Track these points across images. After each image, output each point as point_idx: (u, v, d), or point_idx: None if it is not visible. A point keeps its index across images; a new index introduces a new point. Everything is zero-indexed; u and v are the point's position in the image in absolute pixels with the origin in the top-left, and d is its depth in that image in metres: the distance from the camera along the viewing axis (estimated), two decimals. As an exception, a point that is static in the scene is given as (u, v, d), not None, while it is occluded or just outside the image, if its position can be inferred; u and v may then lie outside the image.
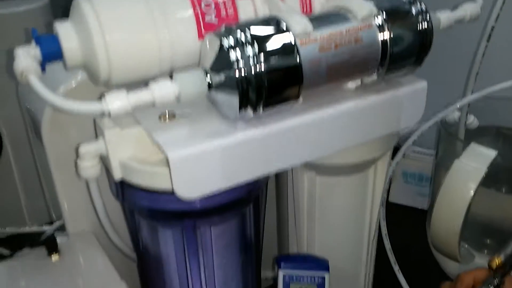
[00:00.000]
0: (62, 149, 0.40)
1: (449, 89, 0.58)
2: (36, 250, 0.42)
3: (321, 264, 0.40)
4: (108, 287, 0.37)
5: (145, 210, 0.35)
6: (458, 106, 0.53)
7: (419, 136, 0.55)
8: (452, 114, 0.62)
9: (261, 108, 0.30)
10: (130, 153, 0.33)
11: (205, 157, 0.30)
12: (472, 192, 0.47)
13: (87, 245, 0.42)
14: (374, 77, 0.35)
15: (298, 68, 0.29)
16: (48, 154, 0.40)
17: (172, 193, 0.32)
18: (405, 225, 0.60)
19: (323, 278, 0.40)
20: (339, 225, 0.44)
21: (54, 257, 0.40)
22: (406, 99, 0.37)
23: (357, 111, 0.35)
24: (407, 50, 0.34)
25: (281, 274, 0.40)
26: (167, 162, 0.30)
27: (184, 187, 0.30)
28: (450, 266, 0.61)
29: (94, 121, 0.34)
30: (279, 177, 0.44)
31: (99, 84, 0.33)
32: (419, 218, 0.73)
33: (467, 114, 0.57)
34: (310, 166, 0.40)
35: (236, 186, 0.33)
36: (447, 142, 0.60)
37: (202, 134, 0.31)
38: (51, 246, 0.41)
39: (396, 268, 0.58)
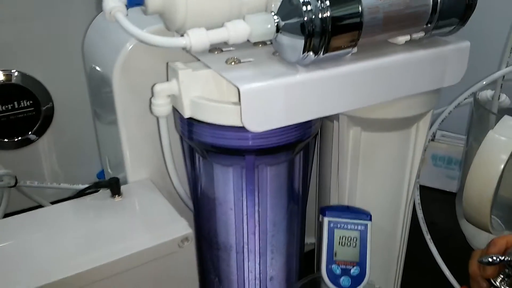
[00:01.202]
0: (129, 100, 0.43)
1: (484, 63, 0.60)
2: (99, 194, 0.46)
3: (364, 214, 0.43)
4: (168, 223, 0.41)
5: (209, 147, 0.38)
6: (493, 78, 0.56)
7: (453, 109, 0.58)
8: (485, 92, 0.64)
9: (321, 53, 0.33)
10: (199, 93, 0.37)
11: (270, 93, 0.33)
12: (504, 161, 0.49)
13: (147, 190, 0.45)
14: (422, 33, 0.38)
15: (359, 14, 0.33)
16: (117, 105, 0.44)
17: (237, 129, 0.35)
18: (434, 207, 0.63)
19: (366, 226, 0.43)
20: (380, 181, 0.47)
21: (117, 198, 0.44)
22: (450, 56, 0.39)
23: (405, 64, 0.38)
24: (454, 8, 0.37)
25: (326, 220, 0.43)
26: (236, 98, 0.33)
27: (251, 119, 0.34)
28: (479, 241, 0.63)
29: (167, 65, 0.38)
30: (324, 134, 0.47)
31: (172, 29, 0.36)
32: (448, 200, 0.76)
33: (500, 90, 0.59)
34: (356, 121, 0.43)
35: (294, 126, 0.37)
36: (479, 118, 0.62)
37: (267, 74, 0.35)
38: (115, 188, 0.44)
39: (428, 237, 0.61)
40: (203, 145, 0.38)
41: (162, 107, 0.37)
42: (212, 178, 0.41)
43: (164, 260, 0.39)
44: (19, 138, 0.67)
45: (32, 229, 0.41)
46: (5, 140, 0.66)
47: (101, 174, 0.67)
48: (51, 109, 0.69)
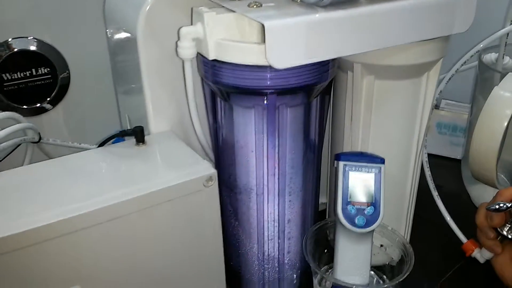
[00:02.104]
0: (153, 54, 0.45)
1: (488, 23, 0.62)
2: (124, 143, 0.48)
3: (378, 157, 0.45)
4: (193, 164, 0.43)
5: (232, 88, 0.40)
6: (498, 35, 0.58)
7: (459, 69, 0.60)
8: (489, 56, 0.67)
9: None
10: (222, 35, 0.39)
11: (293, 30, 0.36)
12: (509, 116, 0.51)
13: (170, 139, 0.48)
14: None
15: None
16: (141, 60, 0.46)
17: (260, 69, 0.37)
18: (439, 173, 0.65)
19: (380, 169, 0.45)
20: (392, 130, 0.49)
21: (142, 146, 0.46)
22: (459, 3, 0.42)
23: (416, 8, 0.40)
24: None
25: (341, 164, 0.45)
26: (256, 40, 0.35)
27: (275, 56, 0.36)
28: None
29: (192, 10, 0.40)
30: (337, 86, 0.49)
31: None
32: (453, 166, 0.78)
33: (504, 50, 0.61)
34: (370, 69, 0.45)
35: (313, 68, 0.39)
36: (484, 79, 0.64)
37: (288, 13, 0.37)
38: (140, 135, 0.46)
39: (435, 193, 0.63)
40: (225, 86, 0.40)
41: (187, 49, 0.39)
42: (233, 122, 0.43)
43: (190, 199, 0.42)
44: (35, 105, 0.69)
45: (59, 172, 0.43)
46: (24, 107, 0.68)
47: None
48: (67, 79, 0.70)
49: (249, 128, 0.42)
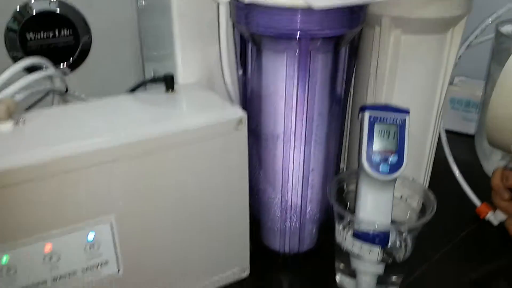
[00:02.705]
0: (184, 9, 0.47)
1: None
2: (153, 90, 0.49)
3: (402, 109, 0.46)
4: (224, 108, 0.44)
5: (265, 32, 0.41)
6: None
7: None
8: (505, 28, 0.68)
9: None
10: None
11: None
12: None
13: (199, 88, 0.49)
14: None
15: None
16: (173, 13, 0.47)
17: (294, 12, 0.38)
18: (453, 147, 0.66)
19: (404, 120, 0.46)
20: (416, 85, 0.50)
21: (172, 93, 0.47)
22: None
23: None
24: None
25: (366, 115, 0.46)
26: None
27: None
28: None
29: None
30: (363, 40, 0.50)
31: None
32: (466, 141, 0.79)
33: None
34: (398, 23, 0.46)
35: (345, 14, 0.40)
36: (500, 50, 0.65)
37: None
38: (170, 82, 0.47)
39: (450, 159, 0.64)
40: (259, 31, 0.41)
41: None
42: (263, 68, 0.44)
43: (220, 141, 0.43)
44: (57, 67, 0.70)
45: (92, 110, 0.44)
46: (44, 68, 0.69)
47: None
48: (89, 43, 0.71)
49: (279, 74, 0.43)
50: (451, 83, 0.83)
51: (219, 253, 0.48)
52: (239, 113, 0.43)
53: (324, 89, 0.45)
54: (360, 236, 0.45)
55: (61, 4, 0.67)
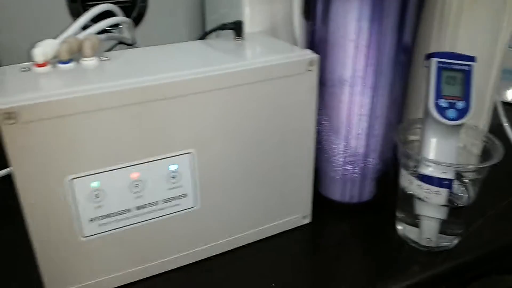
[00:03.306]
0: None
1: None
2: (222, 37, 0.51)
3: (468, 56, 0.47)
4: (295, 50, 0.45)
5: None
6: None
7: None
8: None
9: None
10: None
11: None
12: None
13: (266, 36, 0.50)
14: None
15: None
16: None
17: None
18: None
19: (471, 66, 0.47)
20: (479, 34, 0.51)
21: (240, 40, 0.49)
22: None
23: None
24: None
25: (434, 61, 0.47)
26: None
27: None
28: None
29: None
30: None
31: None
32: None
33: None
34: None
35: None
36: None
37: None
38: (239, 29, 0.49)
39: (504, 119, 0.65)
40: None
41: None
42: (333, 12, 0.46)
43: (291, 81, 0.44)
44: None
45: (166, 51, 0.46)
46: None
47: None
48: (144, 7, 0.73)
49: (350, 16, 0.45)
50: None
51: (284, 196, 0.50)
52: (311, 54, 0.44)
53: (393, 33, 0.46)
54: (426, 180, 0.46)
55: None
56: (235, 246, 0.49)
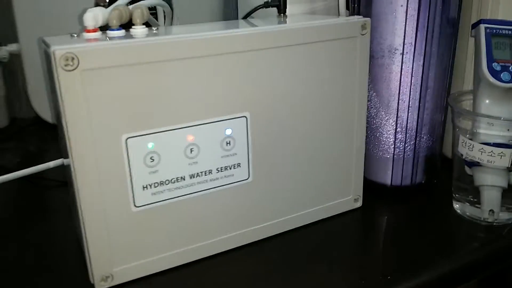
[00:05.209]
0: None
1: None
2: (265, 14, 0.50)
3: (516, 21, 0.47)
4: (344, 19, 0.45)
5: None
6: None
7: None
8: None
9: None
10: None
11: None
12: None
13: (309, 15, 0.50)
14: None
15: None
16: None
17: None
18: None
19: (521, 33, 0.46)
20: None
21: (284, 17, 0.49)
22: None
23: None
24: None
25: (482, 27, 0.46)
26: None
27: None
28: None
29: None
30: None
31: None
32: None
33: None
34: None
35: None
36: None
37: None
38: (283, 6, 0.49)
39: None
40: None
41: None
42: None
43: (345, 44, 0.43)
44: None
45: (214, 26, 0.45)
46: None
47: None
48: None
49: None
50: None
51: (335, 175, 0.47)
52: (363, 18, 0.44)
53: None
54: (488, 142, 0.44)
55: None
56: (287, 229, 0.46)
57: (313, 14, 0.52)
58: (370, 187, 0.52)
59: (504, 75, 0.45)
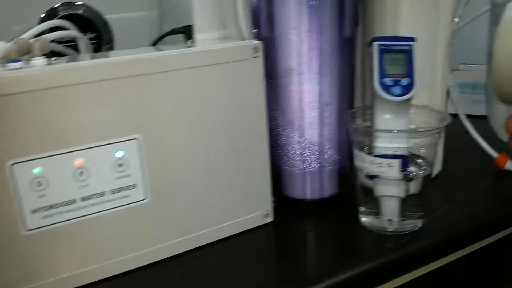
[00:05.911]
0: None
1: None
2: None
3: (408, 37, 0.49)
4: (239, 41, 0.47)
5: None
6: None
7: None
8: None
9: None
10: None
11: None
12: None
13: (217, 40, 0.52)
14: None
15: None
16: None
17: None
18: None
19: (411, 46, 0.48)
20: (420, 21, 0.53)
21: (191, 43, 0.51)
22: None
23: None
24: None
25: (376, 45, 0.48)
26: None
27: None
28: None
29: None
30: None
31: None
32: (476, 122, 0.80)
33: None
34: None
35: None
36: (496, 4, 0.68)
37: None
38: (189, 33, 0.51)
39: (462, 116, 0.65)
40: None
41: None
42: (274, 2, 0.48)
43: (238, 66, 0.45)
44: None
45: (118, 53, 0.47)
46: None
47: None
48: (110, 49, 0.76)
49: (290, 2, 0.47)
50: (456, 69, 0.86)
51: (241, 191, 0.49)
52: (255, 41, 0.46)
53: (334, 17, 0.48)
54: (377, 154, 0.46)
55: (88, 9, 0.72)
56: (194, 246, 0.47)
57: (224, 39, 0.54)
58: (285, 201, 0.53)
59: (395, 89, 0.47)
